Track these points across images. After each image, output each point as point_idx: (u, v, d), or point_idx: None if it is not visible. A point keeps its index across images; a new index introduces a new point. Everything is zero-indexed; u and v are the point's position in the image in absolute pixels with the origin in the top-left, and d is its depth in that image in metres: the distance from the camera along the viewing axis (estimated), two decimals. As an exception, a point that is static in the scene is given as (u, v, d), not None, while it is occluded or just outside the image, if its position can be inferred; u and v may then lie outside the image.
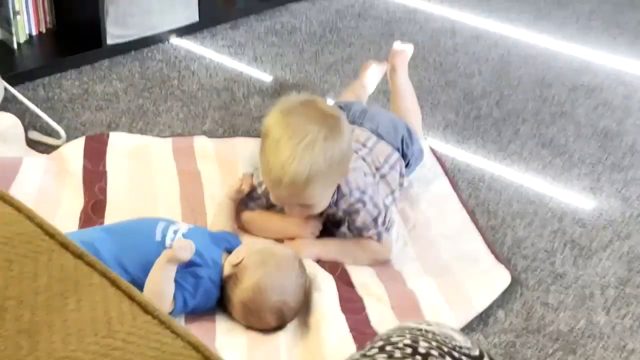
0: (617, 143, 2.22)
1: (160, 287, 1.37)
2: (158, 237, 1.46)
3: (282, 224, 1.64)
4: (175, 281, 1.39)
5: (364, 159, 1.70)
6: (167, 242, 1.45)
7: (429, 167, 1.99)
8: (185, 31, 2.67)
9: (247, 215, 1.69)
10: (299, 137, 1.43)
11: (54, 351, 0.70)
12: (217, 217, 1.66)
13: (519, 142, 2.20)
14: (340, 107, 1.88)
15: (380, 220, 1.60)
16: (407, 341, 0.70)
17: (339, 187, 1.58)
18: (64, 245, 0.82)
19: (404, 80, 2.17)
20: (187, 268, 1.42)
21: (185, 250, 1.36)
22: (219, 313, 1.47)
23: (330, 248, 1.63)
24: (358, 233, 1.63)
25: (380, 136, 1.81)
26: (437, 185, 1.92)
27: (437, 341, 0.70)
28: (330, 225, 1.69)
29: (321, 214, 1.61)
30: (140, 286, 1.39)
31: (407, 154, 1.86)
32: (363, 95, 2.18)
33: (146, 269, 1.40)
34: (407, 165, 1.86)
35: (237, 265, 1.44)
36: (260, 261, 1.43)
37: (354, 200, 1.58)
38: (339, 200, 1.59)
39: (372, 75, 2.23)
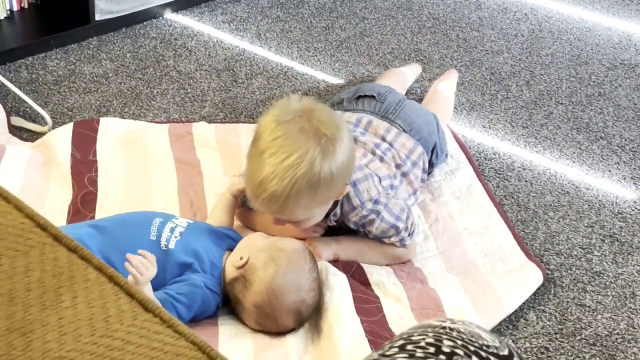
0: (662, 127, 2.23)
1: None
2: (153, 236, 1.47)
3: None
4: (167, 293, 1.40)
5: (381, 159, 1.70)
6: (162, 242, 1.47)
7: (451, 154, 2.00)
8: (181, 5, 2.68)
9: (246, 214, 1.71)
10: (284, 154, 1.43)
11: (48, 351, 0.72)
12: (215, 212, 1.67)
13: (551, 127, 2.21)
14: (373, 97, 1.88)
15: (401, 226, 1.61)
16: (430, 340, 0.71)
17: (349, 200, 1.59)
18: (57, 238, 0.84)
19: (448, 88, 2.20)
20: (181, 275, 1.44)
21: (147, 269, 1.33)
22: (221, 316, 1.49)
23: (349, 250, 1.64)
24: (378, 239, 1.65)
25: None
26: (461, 175, 1.94)
27: (462, 340, 0.71)
28: (346, 232, 1.70)
29: (326, 215, 1.62)
30: None
31: (434, 164, 1.87)
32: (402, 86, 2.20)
33: None
34: (428, 174, 1.87)
35: (242, 267, 1.45)
36: (269, 259, 1.44)
37: (366, 213, 1.59)
38: (349, 213, 1.60)
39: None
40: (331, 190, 1.50)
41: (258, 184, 1.45)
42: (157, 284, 1.44)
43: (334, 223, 1.63)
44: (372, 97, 1.89)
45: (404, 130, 1.81)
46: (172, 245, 1.46)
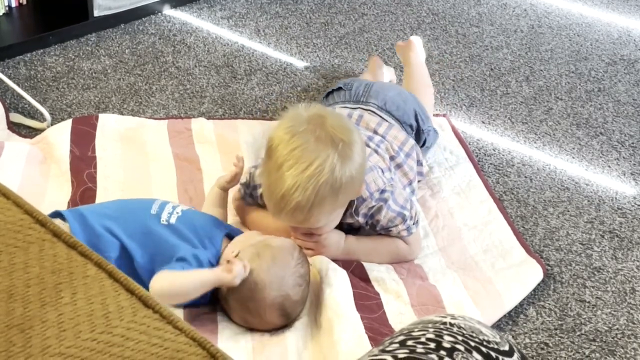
0: (661, 123, 2.23)
1: (187, 293, 1.40)
2: (153, 211, 1.50)
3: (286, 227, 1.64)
4: (178, 260, 1.42)
5: (376, 151, 1.70)
6: (164, 216, 1.49)
7: (451, 150, 2.00)
8: (180, 1, 2.68)
9: (252, 215, 1.70)
10: (304, 164, 1.44)
11: (48, 347, 0.72)
12: (207, 208, 1.66)
13: (551, 122, 2.21)
14: (341, 88, 1.90)
15: (407, 214, 1.61)
16: (431, 335, 0.71)
17: None
18: (56, 234, 0.84)
19: (419, 60, 2.19)
20: (186, 247, 1.45)
21: (238, 279, 1.38)
22: (220, 315, 1.48)
23: (355, 251, 1.63)
24: (385, 232, 1.64)
25: (389, 113, 1.82)
26: (460, 171, 1.94)
27: (462, 335, 0.71)
28: (348, 230, 1.69)
29: None
30: (129, 254, 1.44)
31: (423, 130, 1.87)
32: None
33: (136, 237, 1.45)
34: (423, 145, 1.88)
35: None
36: (254, 254, 1.44)
37: (375, 203, 1.60)
38: (359, 206, 1.60)
39: (382, 72, 2.26)
40: (351, 192, 1.51)
41: (281, 198, 1.45)
42: (157, 258, 1.45)
43: (354, 217, 1.61)
44: (339, 88, 1.91)
45: (379, 108, 1.82)
46: (173, 221, 1.49)
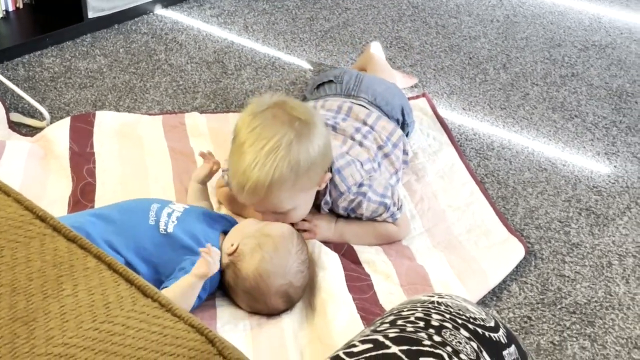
0: (632, 104, 2.23)
1: (184, 302, 1.36)
2: (151, 221, 1.47)
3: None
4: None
5: (361, 144, 1.69)
6: (161, 226, 1.46)
7: (434, 136, 2.00)
8: (171, 1, 2.66)
9: (235, 202, 1.67)
10: (262, 141, 1.43)
11: (51, 338, 0.71)
12: (191, 203, 1.63)
13: (528, 107, 2.20)
14: (331, 81, 1.89)
15: (389, 202, 1.60)
16: (419, 314, 0.70)
17: (336, 187, 1.57)
18: (56, 228, 0.82)
19: (378, 49, 2.20)
20: (181, 257, 1.43)
21: (214, 265, 1.35)
22: (219, 297, 1.48)
23: (346, 233, 1.62)
24: (372, 220, 1.63)
25: (378, 108, 1.81)
26: (443, 156, 1.93)
27: (450, 313, 0.71)
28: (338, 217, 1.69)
29: (317, 207, 1.62)
30: (133, 268, 1.41)
31: (407, 123, 1.87)
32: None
33: (139, 251, 1.42)
34: (406, 134, 1.88)
35: (232, 254, 1.44)
36: (256, 245, 1.43)
37: (353, 197, 1.58)
38: (338, 199, 1.59)
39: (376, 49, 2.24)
40: (311, 174, 1.48)
41: (242, 174, 1.44)
42: (158, 266, 1.43)
43: (327, 211, 1.62)
44: (330, 81, 1.89)
45: (369, 102, 1.81)
46: (170, 229, 1.45)
